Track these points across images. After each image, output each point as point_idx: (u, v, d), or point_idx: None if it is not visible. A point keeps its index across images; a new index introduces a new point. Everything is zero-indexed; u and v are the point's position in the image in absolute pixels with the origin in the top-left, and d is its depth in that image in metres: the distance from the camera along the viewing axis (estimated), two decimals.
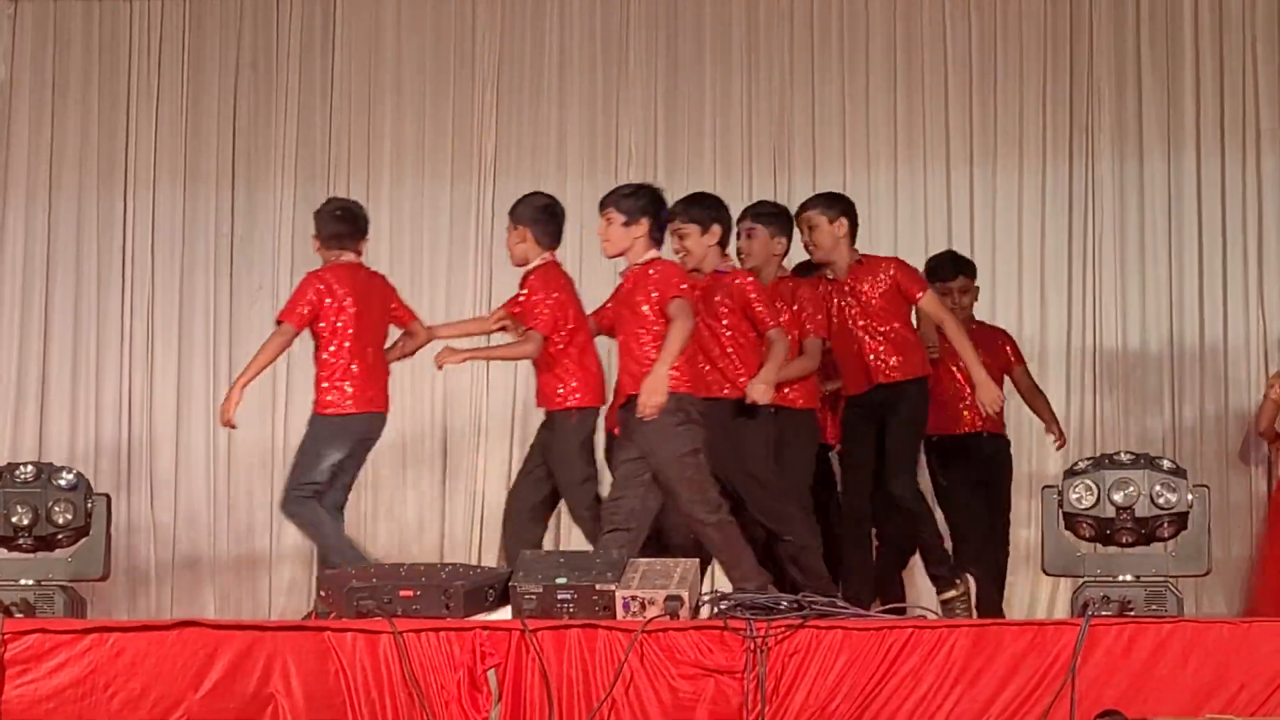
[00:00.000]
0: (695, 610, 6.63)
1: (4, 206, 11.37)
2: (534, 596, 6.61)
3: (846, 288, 8.29)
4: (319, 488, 8.19)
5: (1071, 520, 6.70)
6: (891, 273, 8.26)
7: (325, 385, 8.25)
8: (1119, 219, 10.77)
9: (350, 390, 8.23)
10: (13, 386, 11.21)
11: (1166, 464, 6.72)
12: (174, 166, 11.34)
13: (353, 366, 8.25)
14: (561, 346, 8.00)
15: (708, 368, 7.91)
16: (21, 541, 7.02)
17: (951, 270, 9.14)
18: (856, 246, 8.44)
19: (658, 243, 7.82)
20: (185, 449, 10.90)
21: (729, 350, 7.96)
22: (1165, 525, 6.64)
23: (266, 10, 11.41)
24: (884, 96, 11.02)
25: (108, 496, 7.25)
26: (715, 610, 6.59)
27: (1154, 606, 6.55)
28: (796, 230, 8.55)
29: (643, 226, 7.71)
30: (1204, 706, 6.18)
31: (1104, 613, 6.44)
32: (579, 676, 6.37)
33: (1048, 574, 6.98)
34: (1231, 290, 10.59)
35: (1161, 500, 6.60)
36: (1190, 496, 6.62)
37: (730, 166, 11.08)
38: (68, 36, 11.46)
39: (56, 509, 6.99)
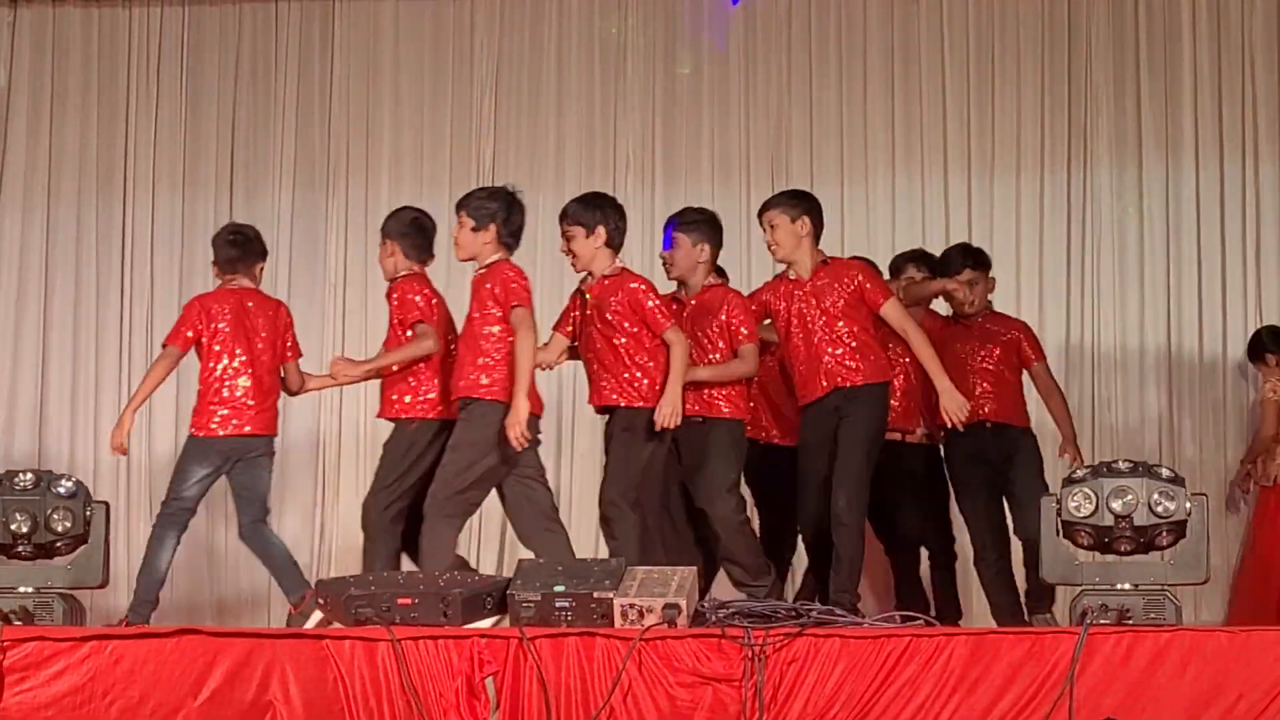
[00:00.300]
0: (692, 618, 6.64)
1: (3, 213, 11.38)
2: (532, 605, 6.61)
3: (808, 289, 8.08)
4: (185, 505, 8.43)
5: (1070, 528, 6.69)
6: (859, 279, 8.07)
7: (198, 406, 8.45)
8: (1117, 226, 10.79)
9: (220, 414, 8.39)
10: (10, 394, 11.22)
11: (1165, 472, 6.71)
12: (173, 173, 11.36)
13: (223, 390, 8.41)
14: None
15: (607, 378, 7.88)
16: (21, 549, 7.02)
17: (959, 262, 8.86)
18: (821, 248, 8.22)
19: (507, 247, 7.93)
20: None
21: (624, 357, 7.85)
22: (1164, 533, 6.63)
23: (265, 17, 11.44)
24: (882, 104, 11.04)
25: (106, 504, 7.24)
26: (713, 618, 6.59)
27: (1152, 615, 6.54)
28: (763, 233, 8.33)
29: (490, 231, 7.87)
30: (1202, 715, 6.17)
31: (1102, 621, 6.43)
32: (577, 685, 6.36)
33: (1046, 582, 6.97)
34: (1230, 297, 10.61)
35: (1160, 509, 6.59)
36: (1189, 505, 6.62)
37: (728, 174, 11.10)
38: (67, 43, 11.49)
39: (56, 516, 6.98)
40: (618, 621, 6.53)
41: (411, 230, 8.27)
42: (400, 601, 6.64)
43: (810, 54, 11.15)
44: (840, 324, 8.01)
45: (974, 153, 10.95)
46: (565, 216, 8.00)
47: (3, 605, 6.88)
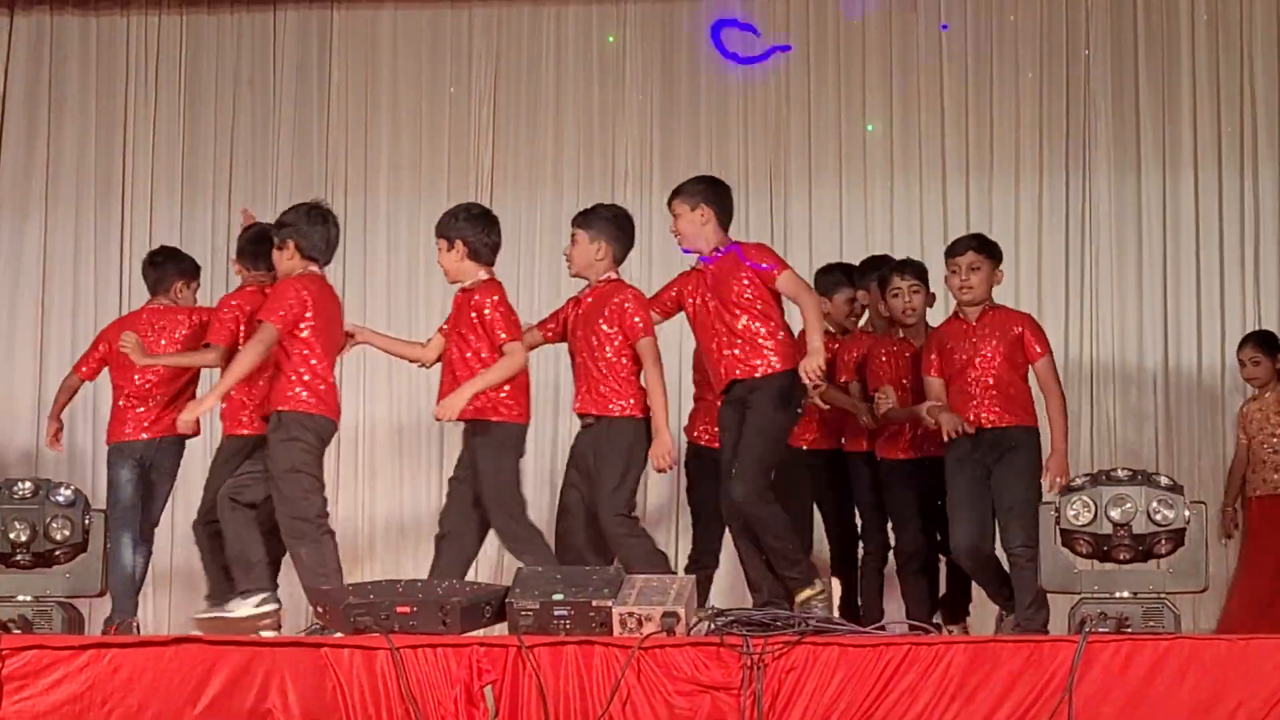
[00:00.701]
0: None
1: None
2: (531, 613, 6.61)
3: (710, 279, 7.98)
4: (125, 507, 8.78)
5: (1068, 537, 6.69)
6: (753, 255, 7.95)
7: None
8: (1116, 235, 10.80)
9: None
10: (7, 401, 11.22)
11: (1164, 480, 6.70)
12: (171, 180, 11.38)
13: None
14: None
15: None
16: (19, 558, 7.01)
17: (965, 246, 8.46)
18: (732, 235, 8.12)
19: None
20: (183, 464, 10.88)
21: (475, 366, 7.86)
22: (1162, 542, 6.63)
23: (264, 26, 11.45)
24: (880, 113, 11.04)
25: (105, 513, 7.25)
26: (712, 627, 6.59)
27: (1151, 623, 6.53)
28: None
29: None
30: None
31: (1101, 629, 6.43)
32: (576, 693, 6.36)
33: (1045, 590, 6.97)
34: (1228, 306, 10.61)
35: (1159, 517, 6.58)
36: (1187, 513, 6.61)
37: (726, 182, 11.08)
38: (65, 51, 11.50)
39: (54, 525, 6.98)
40: (616, 630, 6.53)
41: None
42: (399, 610, 6.63)
43: (809, 61, 11.16)
44: (742, 311, 7.89)
45: (972, 161, 10.96)
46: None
47: (1, 614, 6.88)
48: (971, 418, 8.17)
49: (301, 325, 7.84)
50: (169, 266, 9.17)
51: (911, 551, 8.71)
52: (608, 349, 7.90)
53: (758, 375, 7.83)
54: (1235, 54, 10.76)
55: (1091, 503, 6.62)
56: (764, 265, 7.92)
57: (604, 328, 7.92)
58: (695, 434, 8.80)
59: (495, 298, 7.86)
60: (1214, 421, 10.59)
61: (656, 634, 6.45)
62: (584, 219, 8.13)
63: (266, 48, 11.46)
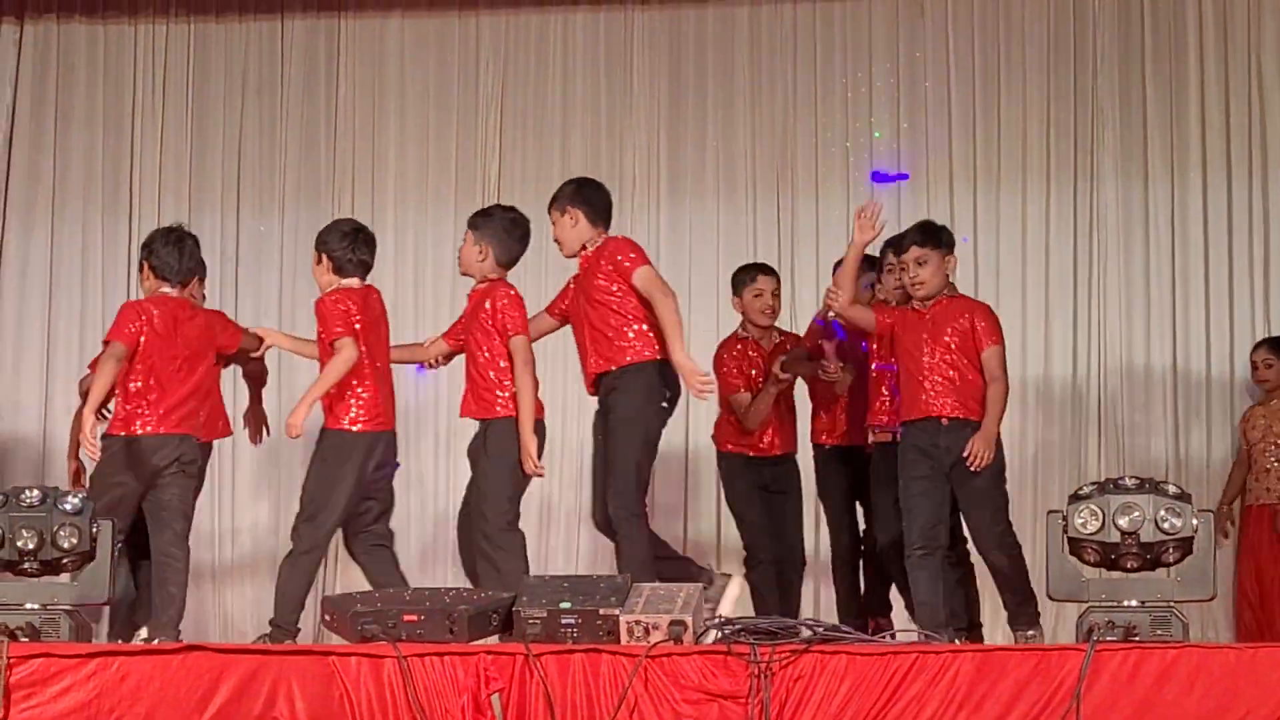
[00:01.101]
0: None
1: (6, 230, 11.40)
2: (538, 621, 6.61)
3: (579, 277, 8.05)
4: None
5: (1076, 545, 6.68)
6: (609, 251, 7.95)
7: None
8: (1123, 242, 10.78)
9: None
10: (14, 410, 11.23)
11: (1172, 489, 6.70)
12: (178, 190, 11.38)
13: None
14: None
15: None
16: (27, 565, 7.01)
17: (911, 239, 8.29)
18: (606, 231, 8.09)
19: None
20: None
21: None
22: (1170, 550, 6.62)
23: (271, 35, 11.45)
24: (887, 119, 11.04)
25: (113, 521, 7.24)
26: (719, 635, 6.59)
27: (1159, 632, 6.52)
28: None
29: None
30: None
31: (1109, 638, 6.43)
32: (583, 701, 6.36)
33: (1052, 599, 6.96)
34: (1237, 313, 10.60)
35: (1167, 525, 6.58)
36: (1195, 521, 6.61)
37: (733, 190, 11.11)
38: (72, 60, 11.50)
39: (62, 533, 6.97)
40: (624, 638, 6.53)
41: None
42: (406, 618, 6.64)
43: (816, 70, 11.16)
44: (604, 307, 7.90)
45: (980, 169, 10.95)
46: None
47: (9, 622, 6.88)
48: (922, 409, 8.04)
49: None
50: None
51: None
52: (485, 350, 7.97)
53: (614, 370, 7.85)
54: (1243, 61, 10.75)
55: (1099, 511, 6.62)
56: (620, 258, 7.92)
57: (479, 330, 8.01)
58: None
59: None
60: (1223, 430, 10.57)
61: (664, 642, 6.45)
62: (474, 219, 8.26)
63: (274, 56, 11.46)
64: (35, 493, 7.08)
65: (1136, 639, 6.46)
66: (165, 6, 11.48)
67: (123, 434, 8.03)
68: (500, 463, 7.86)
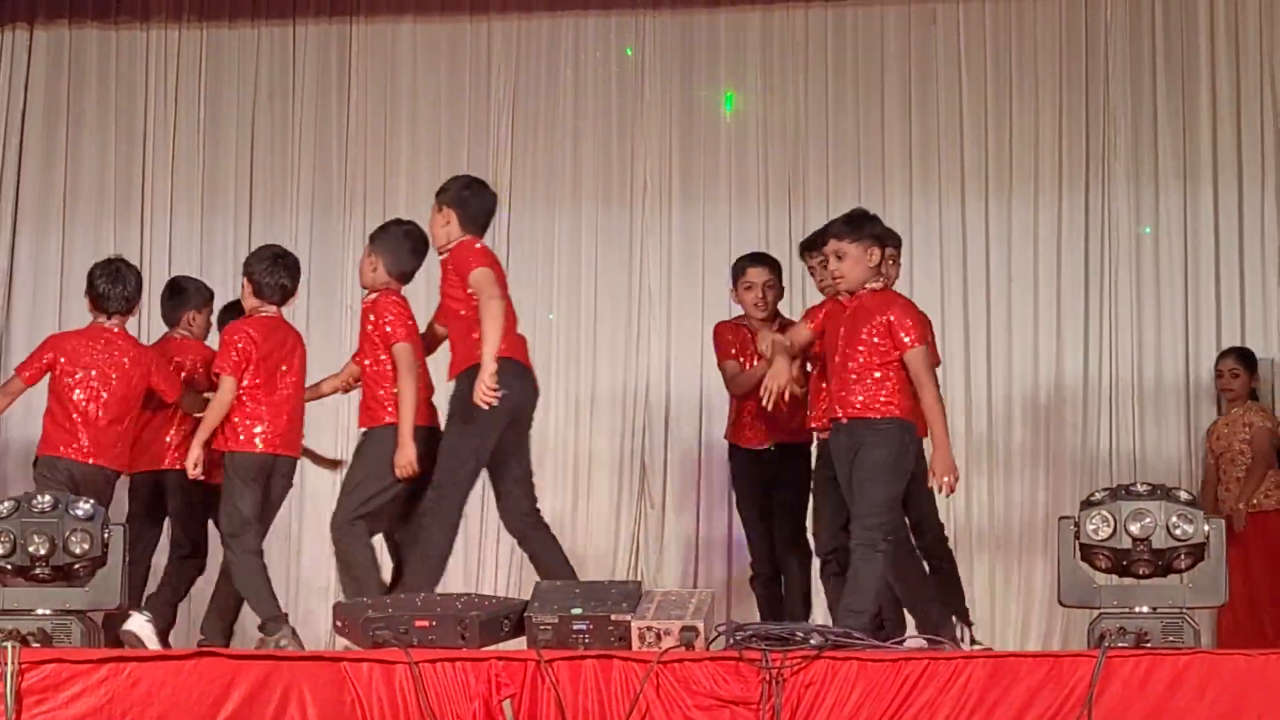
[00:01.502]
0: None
1: (18, 236, 11.40)
2: (549, 627, 6.62)
3: (441, 278, 8.16)
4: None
5: (1088, 551, 6.68)
6: (456, 253, 8.03)
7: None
8: (1135, 249, 10.77)
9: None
10: (25, 417, 11.22)
11: (1183, 495, 6.70)
12: (190, 196, 11.38)
13: None
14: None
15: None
16: (39, 571, 7.02)
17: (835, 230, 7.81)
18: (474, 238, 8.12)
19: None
20: None
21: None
22: (1182, 556, 6.62)
23: (283, 40, 11.46)
24: (899, 127, 11.04)
25: (124, 526, 7.24)
26: (730, 641, 6.59)
27: (1171, 638, 6.52)
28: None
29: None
30: None
31: (1120, 644, 6.42)
32: (594, 707, 6.36)
33: (1064, 605, 6.96)
34: (1249, 320, 10.59)
35: (1178, 531, 6.58)
36: (1207, 528, 6.60)
37: (745, 197, 11.11)
38: (84, 65, 11.51)
39: (73, 539, 6.98)
40: (635, 644, 6.53)
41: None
42: (418, 624, 6.64)
43: (827, 77, 11.16)
44: (456, 309, 7.99)
45: (991, 176, 10.95)
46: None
47: (21, 627, 6.88)
48: (831, 407, 7.57)
49: None
50: (174, 300, 9.16)
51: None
52: (370, 361, 8.07)
53: (466, 369, 7.85)
54: (1254, 67, 10.74)
55: (1111, 517, 6.62)
56: (461, 260, 7.99)
57: (366, 341, 8.12)
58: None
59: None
60: None
61: (675, 648, 6.46)
62: (374, 234, 8.44)
63: (286, 61, 11.47)
64: (47, 498, 7.10)
65: (1148, 645, 6.45)
66: (177, 12, 11.50)
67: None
68: (365, 464, 7.98)
